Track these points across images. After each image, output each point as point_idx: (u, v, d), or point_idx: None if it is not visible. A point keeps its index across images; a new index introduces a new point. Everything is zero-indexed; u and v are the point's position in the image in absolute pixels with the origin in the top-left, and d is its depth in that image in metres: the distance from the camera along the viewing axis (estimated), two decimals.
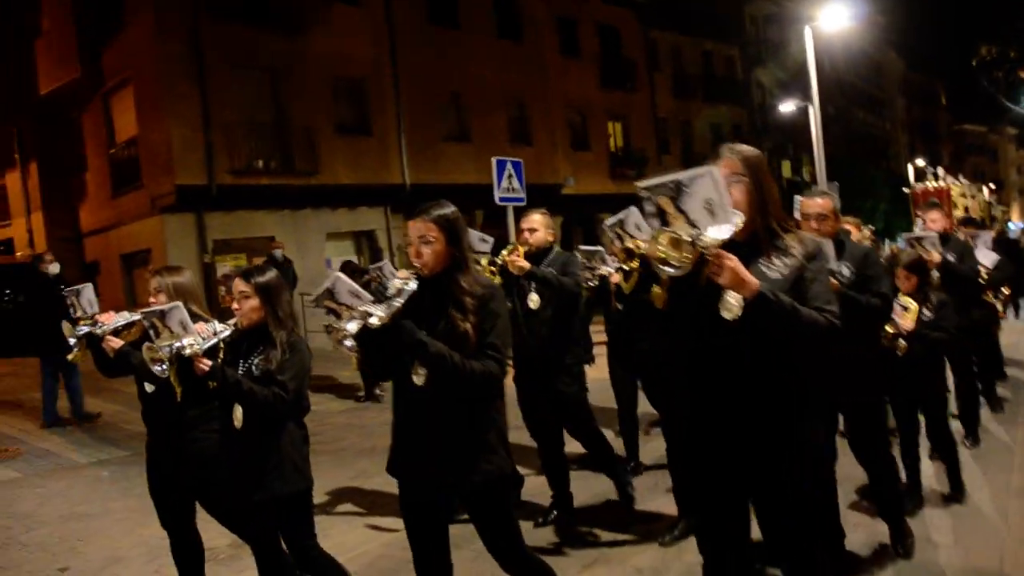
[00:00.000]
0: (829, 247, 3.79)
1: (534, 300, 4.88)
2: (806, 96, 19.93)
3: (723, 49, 33.75)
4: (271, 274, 3.55)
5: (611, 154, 27.53)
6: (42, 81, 18.87)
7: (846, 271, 3.94)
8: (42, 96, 18.92)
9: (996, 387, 7.83)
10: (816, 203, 4.04)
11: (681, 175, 2.30)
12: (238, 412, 3.37)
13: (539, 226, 5.02)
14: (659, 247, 2.23)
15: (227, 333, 3.44)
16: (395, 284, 2.88)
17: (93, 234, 19.16)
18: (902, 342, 4.68)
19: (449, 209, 3.01)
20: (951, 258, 6.10)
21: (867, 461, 4.19)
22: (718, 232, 2.26)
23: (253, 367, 3.39)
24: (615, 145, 28.17)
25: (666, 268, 2.24)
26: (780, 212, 2.62)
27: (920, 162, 48.00)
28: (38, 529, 5.86)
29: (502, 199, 11.25)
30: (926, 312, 4.83)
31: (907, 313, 4.73)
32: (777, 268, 2.52)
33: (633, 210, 3.86)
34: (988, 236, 7.78)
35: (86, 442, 8.72)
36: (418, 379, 2.88)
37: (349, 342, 2.71)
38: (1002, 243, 14.30)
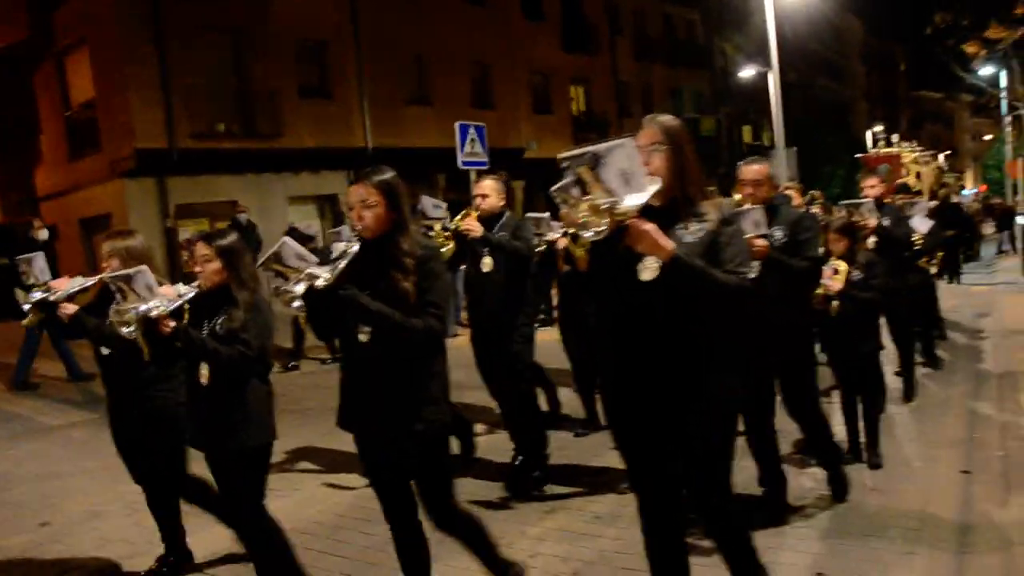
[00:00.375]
0: (759, 212, 4.00)
1: (487, 263, 5.03)
2: (767, 62, 20.16)
3: (685, 13, 33.88)
4: (232, 237, 3.64)
5: (573, 118, 27.64)
6: None
7: (779, 234, 4.15)
8: None
9: (935, 347, 8.12)
10: (752, 169, 4.25)
11: (599, 147, 2.39)
12: (204, 370, 3.48)
13: (491, 191, 5.13)
14: (580, 213, 2.36)
15: (191, 295, 3.54)
16: (338, 247, 3.02)
17: (50, 198, 18.88)
18: (834, 303, 4.83)
19: (389, 174, 3.13)
20: (886, 223, 6.30)
21: (800, 417, 4.48)
22: (634, 199, 2.38)
23: (217, 327, 3.48)
24: (577, 109, 28.29)
25: (586, 233, 2.38)
26: (699, 179, 2.74)
27: (878, 128, 48.72)
28: (16, 488, 5.98)
29: (465, 163, 11.42)
30: (856, 273, 4.96)
31: (837, 276, 4.87)
32: (693, 232, 2.65)
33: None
34: (924, 204, 8.00)
35: (55, 405, 8.81)
36: (363, 336, 3.04)
37: (296, 303, 2.84)
38: (946, 210, 14.71)
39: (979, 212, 25.39)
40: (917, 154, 15.96)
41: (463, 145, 11.16)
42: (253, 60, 17.50)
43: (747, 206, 4.09)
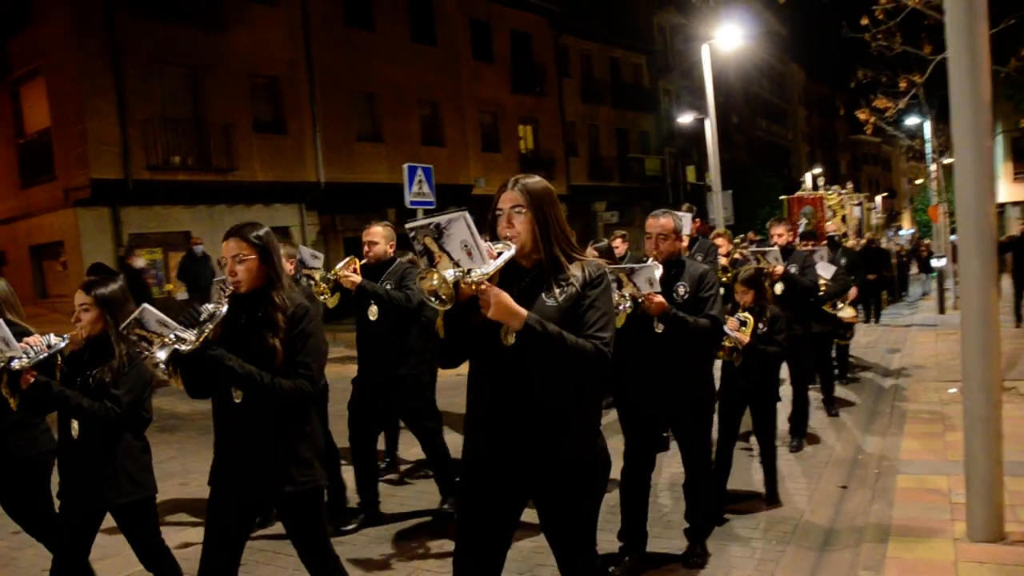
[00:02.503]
0: (654, 270, 3.98)
1: (372, 312, 5.07)
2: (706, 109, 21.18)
3: (631, 57, 35.14)
4: (113, 286, 3.56)
5: (521, 156, 28.49)
6: None
7: (681, 290, 4.16)
8: None
9: (833, 394, 8.05)
10: (657, 223, 4.27)
11: (440, 218, 2.42)
12: (75, 423, 3.45)
13: (379, 238, 5.13)
14: (431, 283, 2.36)
15: (61, 345, 3.49)
16: (207, 308, 2.99)
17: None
18: (736, 355, 4.91)
19: (263, 230, 3.13)
20: (793, 270, 6.61)
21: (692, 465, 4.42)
22: (482, 269, 2.40)
23: (91, 379, 3.42)
24: (525, 147, 29.15)
25: (435, 302, 2.37)
26: (565, 241, 2.67)
27: (817, 170, 50.42)
28: None
29: (413, 203, 12.02)
30: (760, 326, 5.07)
31: (744, 328, 4.96)
32: (554, 297, 2.58)
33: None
34: (824, 250, 8.02)
35: None
36: (236, 397, 3.04)
37: (161, 367, 2.83)
38: (871, 253, 15.67)
39: (907, 253, 26.77)
40: (843, 196, 16.78)
41: (411, 185, 11.77)
42: (209, 94, 17.99)
43: (648, 262, 4.15)
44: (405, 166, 11.76)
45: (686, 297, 4.15)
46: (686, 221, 6.34)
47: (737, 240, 8.01)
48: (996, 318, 4.28)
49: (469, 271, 2.39)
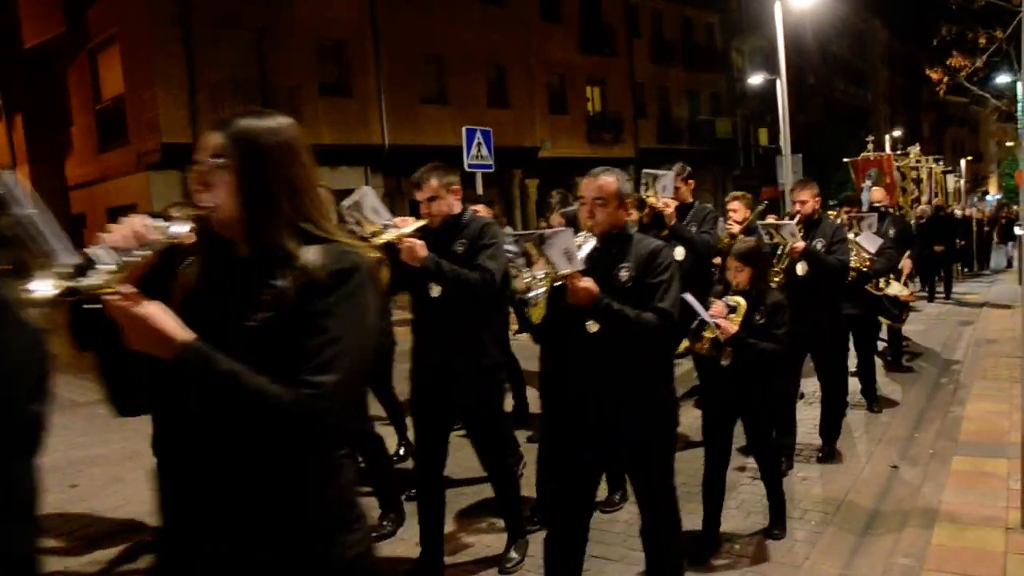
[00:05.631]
0: (570, 237, 3.05)
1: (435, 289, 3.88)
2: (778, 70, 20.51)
3: (703, 16, 34.23)
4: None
5: (589, 118, 28.12)
6: (26, 34, 19.24)
7: (624, 274, 3.12)
8: (26, 50, 19.30)
9: (874, 387, 7.13)
10: (593, 184, 3.15)
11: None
12: None
13: (438, 191, 3.91)
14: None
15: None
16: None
17: (79, 187, 19.71)
18: (727, 351, 4.01)
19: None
20: (819, 246, 5.35)
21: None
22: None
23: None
24: (593, 109, 28.76)
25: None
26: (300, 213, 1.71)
27: (897, 133, 48.62)
28: (47, 455, 6.59)
29: (471, 165, 11.99)
30: (757, 317, 4.07)
31: (734, 316, 4.01)
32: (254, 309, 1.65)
33: (367, 191, 3.93)
34: (872, 218, 6.74)
35: (82, 383, 9.47)
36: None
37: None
38: (937, 222, 14.84)
39: (989, 221, 25.58)
40: (911, 159, 15.90)
41: (469, 148, 11.73)
42: (275, 57, 18.18)
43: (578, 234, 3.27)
44: (464, 128, 11.71)
45: (629, 283, 3.10)
46: (667, 181, 5.40)
47: (760, 207, 6.50)
48: None
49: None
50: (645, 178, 5.43)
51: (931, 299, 14.71)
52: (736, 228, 5.90)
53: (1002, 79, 24.97)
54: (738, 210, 6.00)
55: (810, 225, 5.46)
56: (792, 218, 5.57)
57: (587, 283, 2.95)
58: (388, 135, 20.34)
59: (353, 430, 3.59)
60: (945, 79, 15.06)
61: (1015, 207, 29.53)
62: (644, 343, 3.09)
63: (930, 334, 10.89)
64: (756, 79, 25.34)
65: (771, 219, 6.74)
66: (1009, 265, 22.45)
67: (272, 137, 1.71)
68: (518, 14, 24.24)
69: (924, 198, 15.61)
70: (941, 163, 19.65)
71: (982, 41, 13.52)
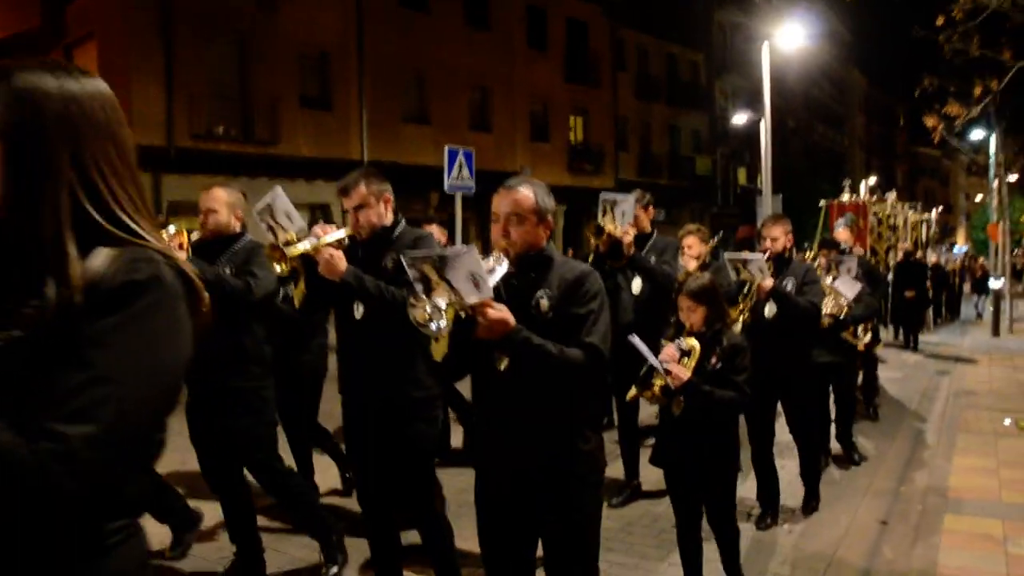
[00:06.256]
0: (474, 257, 2.33)
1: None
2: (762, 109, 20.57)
3: (688, 54, 34.48)
4: None
5: (570, 147, 28.06)
6: None
7: (545, 303, 2.64)
8: None
9: (852, 435, 6.78)
10: (508, 197, 2.71)
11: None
12: None
13: (220, 205, 3.96)
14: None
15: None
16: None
17: None
18: (674, 401, 3.61)
19: None
20: (789, 287, 4.89)
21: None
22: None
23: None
24: (575, 138, 28.71)
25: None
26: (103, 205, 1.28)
27: (872, 180, 49.19)
28: None
29: (451, 187, 11.69)
30: (712, 360, 3.63)
31: (687, 360, 3.58)
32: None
33: (279, 192, 3.46)
34: (852, 262, 6.37)
35: None
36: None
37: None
38: (909, 268, 14.61)
39: (959, 272, 25.74)
40: (888, 206, 15.88)
41: (451, 170, 11.44)
42: (257, 67, 17.89)
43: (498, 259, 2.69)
44: (446, 148, 11.42)
45: (550, 313, 2.63)
46: (627, 207, 5.02)
47: (714, 241, 6.03)
48: None
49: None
50: (603, 204, 5.08)
51: (914, 347, 14.17)
52: (693, 265, 5.46)
53: (977, 134, 25.35)
54: (692, 246, 5.56)
55: (780, 264, 5.00)
56: (763, 253, 5.02)
57: (500, 313, 2.39)
58: (367, 151, 20.08)
59: (144, 493, 2.82)
60: (940, 126, 15.07)
61: (980, 259, 29.93)
62: (567, 385, 2.62)
63: (908, 382, 10.72)
64: (740, 118, 25.42)
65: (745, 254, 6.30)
66: (979, 316, 22.56)
67: (66, 101, 1.27)
68: (504, 39, 24.22)
69: (900, 244, 15.57)
70: (916, 210, 19.73)
71: (977, 91, 13.54)
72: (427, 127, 21.59)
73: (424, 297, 2.27)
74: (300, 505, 4.16)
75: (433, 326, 2.24)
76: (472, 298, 2.27)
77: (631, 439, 5.62)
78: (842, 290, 5.85)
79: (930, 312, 17.67)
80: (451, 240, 4.84)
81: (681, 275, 5.28)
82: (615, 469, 5.34)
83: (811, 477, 5.34)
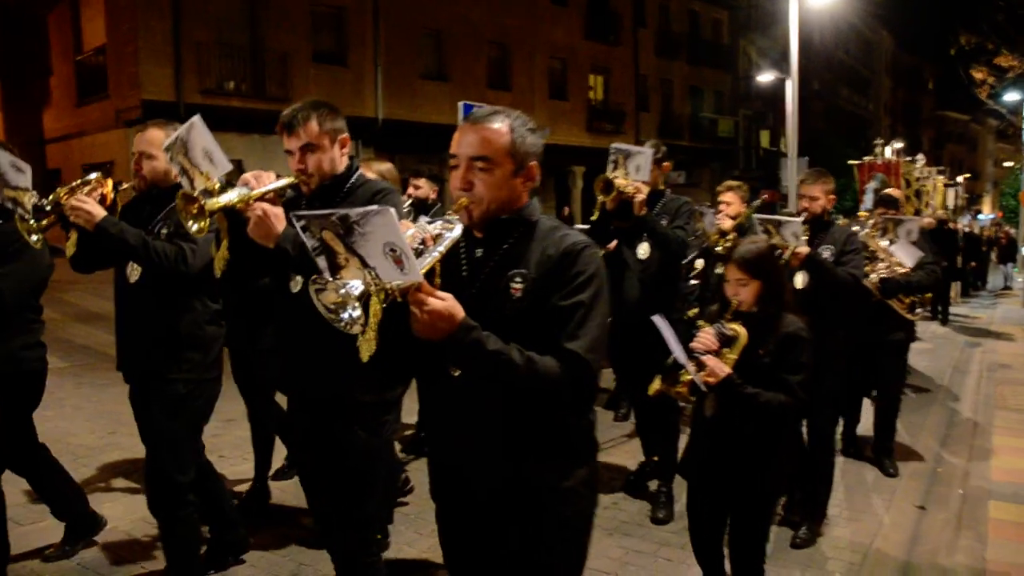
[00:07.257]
0: (393, 222, 1.65)
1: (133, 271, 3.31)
2: (788, 69, 19.93)
3: (712, 11, 33.57)
4: None
5: (590, 106, 27.44)
6: None
7: (518, 285, 1.91)
8: None
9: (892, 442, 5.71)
10: (473, 135, 1.99)
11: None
12: None
13: (158, 150, 3.28)
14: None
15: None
16: None
17: (55, 141, 18.88)
18: (707, 401, 2.93)
19: None
20: (827, 254, 4.21)
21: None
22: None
23: None
24: (595, 98, 28.07)
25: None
26: None
27: (898, 144, 48.20)
28: None
29: None
30: (760, 352, 2.84)
31: (728, 352, 2.83)
32: None
33: (197, 122, 2.59)
34: (914, 224, 5.38)
35: None
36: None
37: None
38: (940, 236, 13.98)
39: (987, 240, 25.02)
40: (919, 168, 15.23)
41: None
42: (268, 21, 17.42)
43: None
44: (460, 104, 10.97)
45: (524, 301, 1.91)
46: (643, 161, 4.36)
47: (758, 201, 5.31)
48: None
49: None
50: (615, 154, 4.39)
51: (944, 319, 13.54)
52: (728, 224, 4.87)
53: (1010, 96, 24.54)
54: (732, 203, 4.93)
55: (817, 228, 4.29)
56: (798, 215, 4.37)
57: (442, 303, 1.68)
58: (383, 109, 19.63)
59: None
60: (991, 79, 14.39)
61: (1007, 228, 29.18)
62: (540, 402, 1.90)
63: (937, 354, 10.32)
64: (765, 77, 24.70)
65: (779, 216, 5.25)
66: (1007, 287, 21.96)
67: None
68: None
69: (928, 211, 14.98)
70: (944, 176, 19.10)
71: None
72: (444, 84, 21.07)
73: (328, 277, 1.65)
74: (215, 504, 3.66)
75: (344, 315, 1.61)
76: (395, 280, 1.60)
77: (666, 438, 4.71)
78: (900, 256, 5.05)
79: (957, 284, 17.02)
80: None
81: (712, 234, 4.84)
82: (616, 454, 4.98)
83: (821, 485, 4.45)
